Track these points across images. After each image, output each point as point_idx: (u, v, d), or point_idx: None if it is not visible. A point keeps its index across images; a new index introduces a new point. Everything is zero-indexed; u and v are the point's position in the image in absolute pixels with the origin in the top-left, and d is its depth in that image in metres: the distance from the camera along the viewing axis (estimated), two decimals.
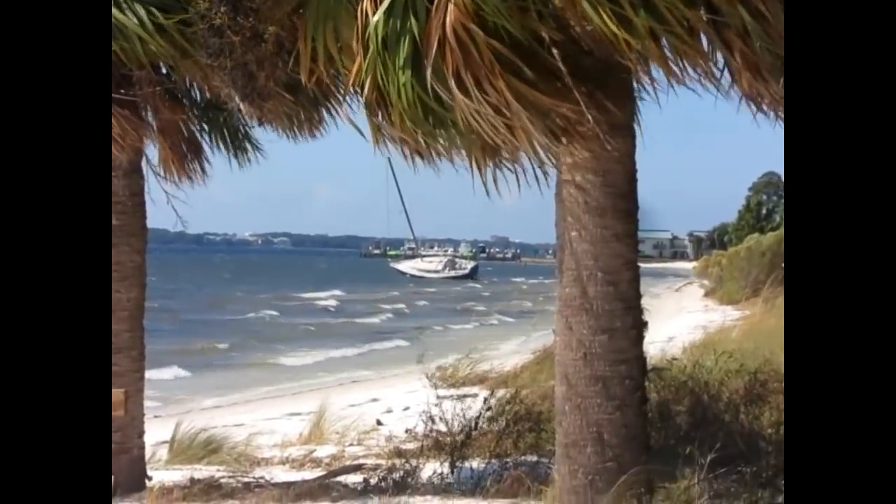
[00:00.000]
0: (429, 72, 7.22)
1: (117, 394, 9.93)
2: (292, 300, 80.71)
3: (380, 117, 7.85)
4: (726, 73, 7.95)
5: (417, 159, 8.29)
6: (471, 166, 8.00)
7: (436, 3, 7.24)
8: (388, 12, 7.46)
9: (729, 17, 7.08)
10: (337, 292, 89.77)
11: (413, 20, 7.38)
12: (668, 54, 7.46)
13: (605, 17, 6.84)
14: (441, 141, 7.89)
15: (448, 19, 7.13)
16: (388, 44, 7.45)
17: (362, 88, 7.74)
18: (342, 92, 9.76)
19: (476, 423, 12.17)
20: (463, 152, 7.95)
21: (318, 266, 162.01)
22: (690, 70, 7.67)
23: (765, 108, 8.08)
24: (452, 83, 7.15)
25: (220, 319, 60.08)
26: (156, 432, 13.63)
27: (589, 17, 6.93)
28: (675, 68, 7.57)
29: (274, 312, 67.93)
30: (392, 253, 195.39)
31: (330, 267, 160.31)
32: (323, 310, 73.44)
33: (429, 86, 7.28)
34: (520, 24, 7.19)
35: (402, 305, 76.91)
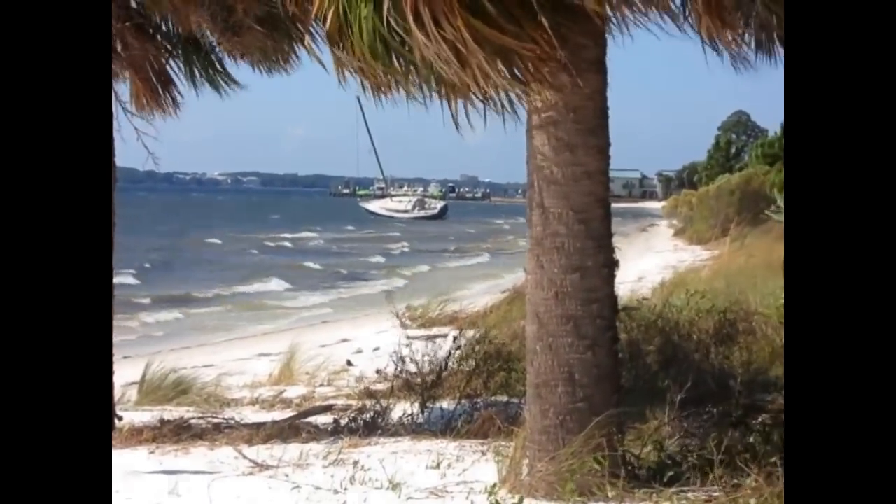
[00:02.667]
0: (386, 5, 7.08)
1: None
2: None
3: (341, 50, 7.71)
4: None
5: (385, 96, 8.13)
6: (437, 101, 7.88)
7: None
8: None
9: None
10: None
11: None
12: None
13: None
14: (403, 76, 7.75)
15: None
16: None
17: (325, 19, 7.58)
18: (312, 26, 9.62)
19: (446, 364, 12.17)
20: (425, 89, 7.83)
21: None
22: (652, 11, 7.62)
23: (723, 49, 8.00)
24: (410, 18, 7.01)
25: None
26: (125, 373, 13.58)
27: None
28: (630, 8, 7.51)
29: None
30: (361, 192, 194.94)
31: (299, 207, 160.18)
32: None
33: (385, 19, 7.15)
34: None
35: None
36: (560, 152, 8.20)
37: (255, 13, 8.90)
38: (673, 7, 7.67)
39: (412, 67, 7.52)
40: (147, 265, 50.83)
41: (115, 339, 11.53)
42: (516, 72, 7.52)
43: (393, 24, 7.16)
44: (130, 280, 40.86)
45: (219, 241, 76.54)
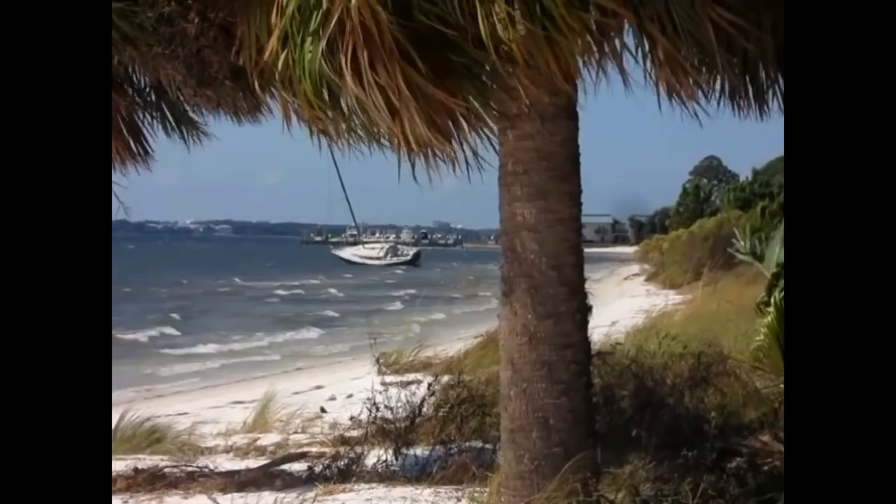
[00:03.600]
0: (321, 45, 7.11)
1: None
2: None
3: (290, 93, 7.75)
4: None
5: (334, 143, 8.13)
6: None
7: None
8: None
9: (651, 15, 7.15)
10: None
11: None
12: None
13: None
14: (349, 123, 7.77)
15: None
16: (300, 17, 7.35)
17: (276, 64, 7.61)
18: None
19: (420, 409, 12.17)
20: (376, 136, 7.86)
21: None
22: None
23: (684, 99, 8.04)
24: (347, 61, 7.04)
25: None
26: None
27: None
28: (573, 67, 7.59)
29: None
30: (334, 240, 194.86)
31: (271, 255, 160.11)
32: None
33: (323, 61, 7.17)
34: (428, 15, 7.12)
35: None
36: (533, 199, 8.26)
37: (228, 65, 8.94)
38: (627, 67, 7.71)
39: (353, 113, 7.57)
40: (175, 315, 51.42)
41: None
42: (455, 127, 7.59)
43: (328, 67, 7.19)
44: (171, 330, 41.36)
45: (228, 289, 77.12)
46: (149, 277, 77.97)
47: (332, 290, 79.52)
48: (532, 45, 7.04)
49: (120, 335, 41.46)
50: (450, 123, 7.55)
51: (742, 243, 12.84)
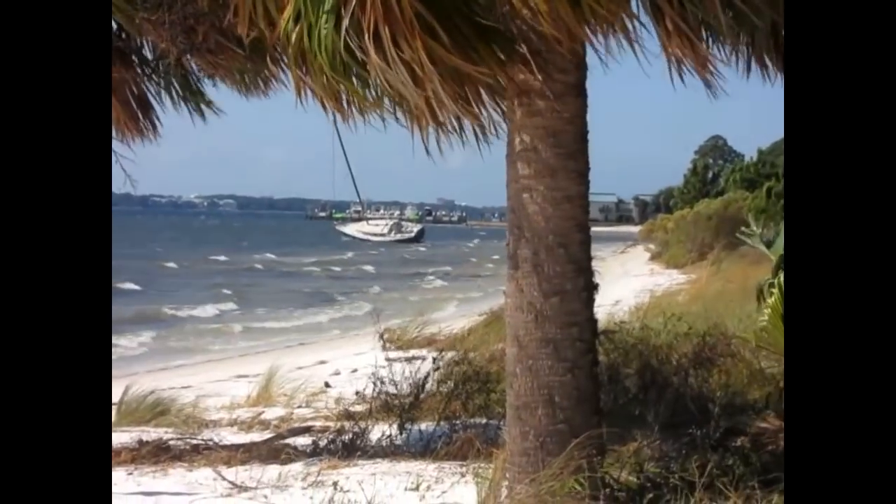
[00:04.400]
0: (345, 23, 7.07)
1: None
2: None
3: (304, 71, 7.70)
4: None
5: (347, 120, 8.07)
6: (414, 126, 7.87)
7: None
8: None
9: None
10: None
11: None
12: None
13: None
14: (363, 99, 7.72)
15: None
16: None
17: (288, 39, 7.57)
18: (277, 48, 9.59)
19: (423, 385, 12.19)
20: (389, 112, 7.81)
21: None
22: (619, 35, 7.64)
23: (690, 72, 8.01)
24: (369, 38, 7.01)
25: None
26: None
27: None
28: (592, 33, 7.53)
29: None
30: (338, 216, 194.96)
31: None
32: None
33: (341, 39, 7.13)
34: None
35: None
36: (540, 177, 8.25)
37: (231, 34, 8.87)
38: (634, 36, 7.64)
39: (374, 90, 7.53)
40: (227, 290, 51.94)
41: None
42: (475, 99, 7.54)
43: (352, 44, 7.15)
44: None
45: (262, 267, 77.58)
46: (186, 254, 78.65)
47: (367, 267, 79.44)
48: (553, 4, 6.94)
49: (177, 311, 42.08)
50: (474, 95, 7.51)
51: (754, 229, 12.82)
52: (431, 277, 62.96)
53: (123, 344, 30.19)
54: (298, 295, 52.26)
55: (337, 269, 77.10)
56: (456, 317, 28.28)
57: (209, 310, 44.48)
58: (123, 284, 48.52)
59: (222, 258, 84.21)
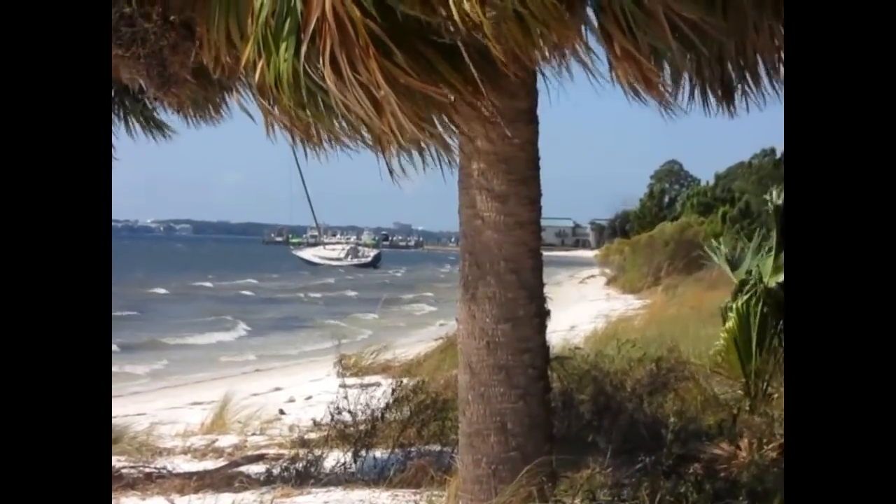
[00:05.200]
0: (303, 49, 7.08)
1: None
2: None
3: (270, 101, 7.70)
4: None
5: (313, 146, 8.07)
6: (368, 150, 7.86)
7: None
8: None
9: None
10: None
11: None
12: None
13: None
14: (327, 124, 7.71)
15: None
16: (274, 22, 7.31)
17: (254, 69, 7.57)
18: (242, 77, 9.61)
19: (382, 414, 12.15)
20: (352, 137, 7.80)
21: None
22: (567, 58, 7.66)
23: (643, 96, 8.03)
24: (326, 62, 7.01)
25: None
26: None
27: None
28: (543, 55, 7.54)
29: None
30: (294, 240, 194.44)
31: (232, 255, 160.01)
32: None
33: (302, 66, 7.13)
34: (403, 2, 7.03)
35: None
36: (491, 202, 8.26)
37: (188, 66, 8.89)
38: (586, 59, 7.65)
39: (335, 115, 7.52)
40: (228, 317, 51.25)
41: None
42: (436, 120, 7.54)
43: (310, 69, 7.15)
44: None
45: (251, 293, 76.87)
46: (167, 279, 78.59)
47: (351, 293, 78.66)
48: (502, 25, 6.93)
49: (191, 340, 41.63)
50: (433, 118, 7.51)
51: (720, 247, 12.86)
52: (422, 305, 62.67)
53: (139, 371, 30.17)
54: (295, 320, 52.03)
55: (318, 294, 76.62)
56: (413, 342, 28.18)
57: (217, 337, 44.06)
58: (121, 312, 48.32)
59: (207, 284, 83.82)
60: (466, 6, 6.72)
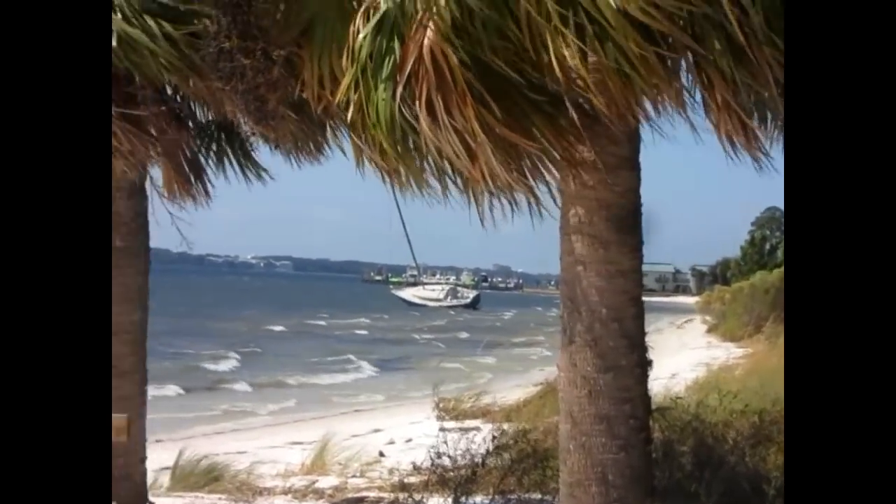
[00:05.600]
0: (399, 91, 7.16)
1: (120, 419, 9.83)
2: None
3: (362, 139, 7.79)
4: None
5: (401, 187, 8.11)
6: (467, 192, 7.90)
7: (416, 22, 7.18)
8: (376, 30, 7.42)
9: (710, 55, 7.05)
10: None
11: (397, 40, 7.34)
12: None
13: (564, 46, 6.72)
14: (417, 167, 7.77)
15: (426, 40, 7.08)
16: (372, 62, 7.41)
17: (347, 106, 7.67)
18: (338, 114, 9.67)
19: (483, 460, 12.13)
20: (442, 180, 7.85)
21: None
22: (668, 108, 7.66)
23: (741, 149, 8.00)
24: (422, 105, 7.07)
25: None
26: (158, 457, 13.58)
27: (548, 46, 6.78)
28: (644, 111, 7.55)
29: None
30: (394, 280, 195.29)
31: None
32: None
33: (397, 107, 7.21)
34: (499, 55, 7.09)
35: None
36: (593, 249, 8.25)
37: (287, 102, 9.00)
38: (690, 113, 7.64)
39: (430, 160, 7.60)
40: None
41: None
42: (529, 169, 7.57)
43: (405, 112, 7.23)
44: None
45: (366, 332, 77.77)
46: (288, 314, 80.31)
47: (463, 334, 78.85)
48: (604, 78, 6.96)
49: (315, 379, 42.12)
50: (526, 165, 7.55)
51: None
52: (536, 349, 62.43)
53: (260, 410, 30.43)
54: (405, 361, 52.92)
55: (431, 336, 76.59)
56: (510, 387, 28.11)
57: (340, 377, 44.87)
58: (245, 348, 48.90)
59: (321, 322, 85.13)
60: (570, 61, 6.76)
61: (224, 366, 48.18)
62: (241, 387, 40.09)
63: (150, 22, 9.20)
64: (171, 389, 35.81)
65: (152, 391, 11.85)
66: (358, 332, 77.99)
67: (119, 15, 9.14)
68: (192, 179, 11.35)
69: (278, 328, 74.60)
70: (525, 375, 34.91)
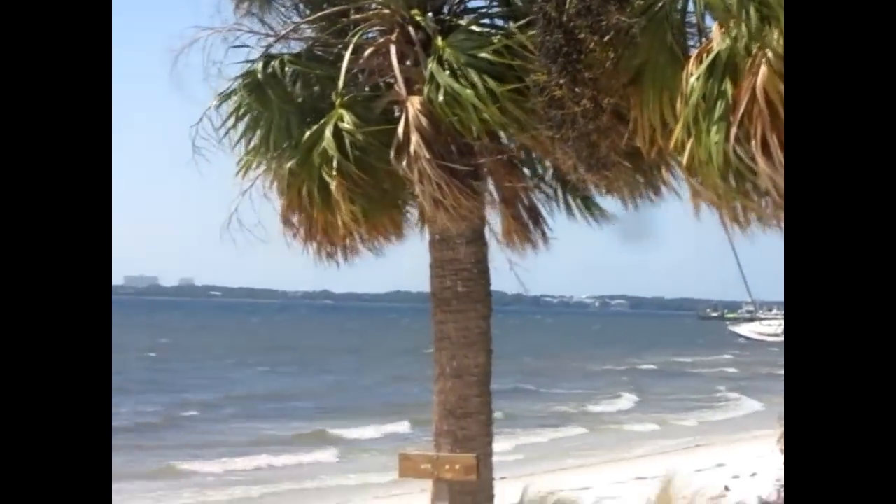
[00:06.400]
0: (733, 132, 7.19)
1: (469, 458, 10.21)
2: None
3: (697, 180, 7.84)
4: None
5: (739, 226, 8.09)
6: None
7: (749, 64, 7.22)
8: (708, 73, 7.51)
9: None
10: None
11: (729, 82, 7.39)
12: None
13: None
14: (755, 206, 7.75)
15: (759, 80, 7.10)
16: (704, 105, 7.48)
17: (682, 150, 7.75)
18: (672, 158, 9.70)
19: None
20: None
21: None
22: None
23: None
24: (757, 145, 7.08)
25: None
26: (503, 495, 13.82)
27: None
28: None
29: None
30: (730, 315, 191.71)
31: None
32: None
33: (731, 148, 7.25)
34: None
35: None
36: None
37: (620, 149, 9.14)
38: None
39: (766, 196, 7.57)
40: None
41: None
42: None
43: (740, 151, 7.26)
44: None
45: (734, 370, 77.32)
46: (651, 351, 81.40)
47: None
48: None
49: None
50: None
51: None
52: None
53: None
54: None
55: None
56: None
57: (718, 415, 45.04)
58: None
59: (687, 359, 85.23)
60: None
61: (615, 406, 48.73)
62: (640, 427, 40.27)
63: (476, 78, 9.56)
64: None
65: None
66: (727, 369, 77.27)
67: (447, 70, 9.54)
68: (531, 227, 11.60)
69: (649, 367, 75.12)
70: None
